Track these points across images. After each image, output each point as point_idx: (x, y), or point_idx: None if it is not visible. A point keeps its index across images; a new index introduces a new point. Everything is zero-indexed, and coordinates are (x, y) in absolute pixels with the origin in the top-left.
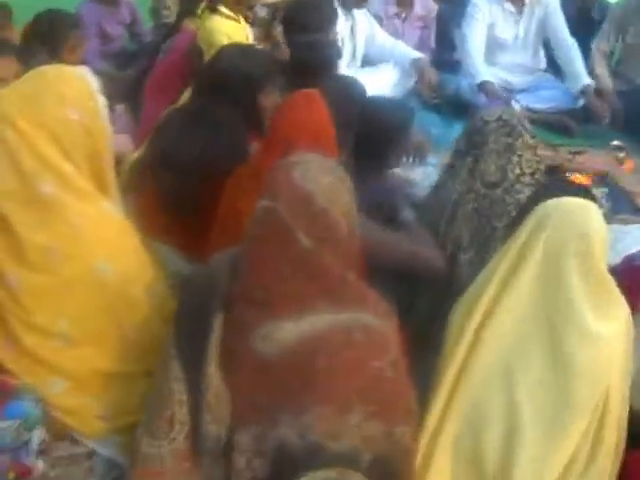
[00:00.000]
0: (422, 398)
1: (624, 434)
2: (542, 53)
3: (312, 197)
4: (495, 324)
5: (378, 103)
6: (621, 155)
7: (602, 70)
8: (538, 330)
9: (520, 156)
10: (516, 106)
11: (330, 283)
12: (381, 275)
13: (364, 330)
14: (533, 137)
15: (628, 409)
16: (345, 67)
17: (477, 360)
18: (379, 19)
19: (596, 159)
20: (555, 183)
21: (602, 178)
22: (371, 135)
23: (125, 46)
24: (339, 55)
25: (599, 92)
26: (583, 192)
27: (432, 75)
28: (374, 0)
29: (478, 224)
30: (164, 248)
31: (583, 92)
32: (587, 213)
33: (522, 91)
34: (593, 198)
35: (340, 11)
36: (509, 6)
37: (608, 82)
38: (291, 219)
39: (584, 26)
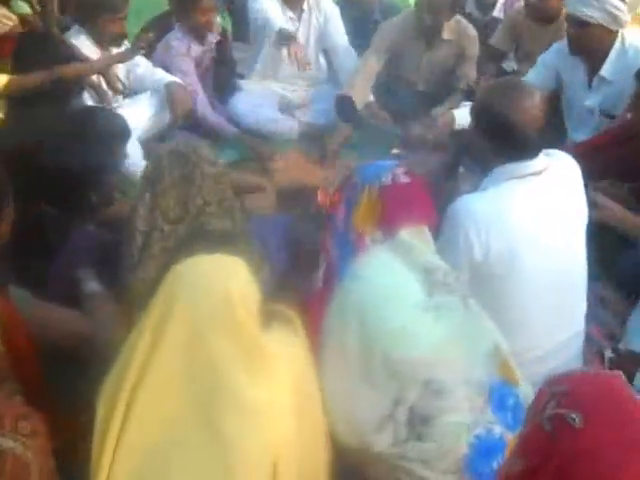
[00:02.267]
0: None
1: None
2: (323, 62)
3: None
4: (141, 413)
5: (67, 145)
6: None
7: (360, 90)
8: (191, 413)
9: (200, 187)
10: (295, 123)
11: None
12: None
13: None
14: (213, 164)
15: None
16: (110, 103)
17: (124, 455)
18: None
19: None
20: (194, 235)
21: None
22: (57, 183)
23: None
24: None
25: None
26: (227, 242)
27: (185, 101)
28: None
29: (168, 264)
30: None
31: (366, 106)
32: (224, 272)
33: (300, 106)
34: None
35: (97, 52)
36: (289, 12)
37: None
38: None
39: (366, 28)
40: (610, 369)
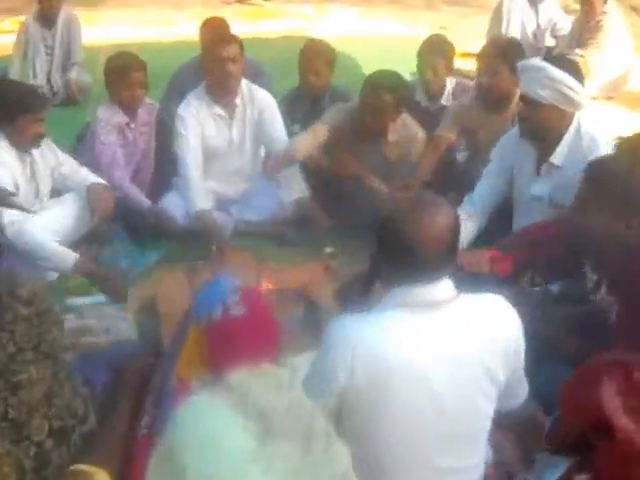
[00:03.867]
0: None
1: None
2: (261, 157)
3: None
4: None
5: None
6: (333, 263)
7: (303, 144)
8: None
9: (12, 332)
10: (230, 220)
11: None
12: None
13: None
14: (30, 304)
15: None
16: (30, 208)
17: None
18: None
19: (300, 272)
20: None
21: (299, 295)
22: None
23: None
24: None
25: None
26: None
27: (107, 202)
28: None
29: None
30: None
31: (298, 202)
32: None
33: (236, 202)
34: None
35: (15, 154)
36: (219, 110)
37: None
38: None
39: (317, 118)
40: None
